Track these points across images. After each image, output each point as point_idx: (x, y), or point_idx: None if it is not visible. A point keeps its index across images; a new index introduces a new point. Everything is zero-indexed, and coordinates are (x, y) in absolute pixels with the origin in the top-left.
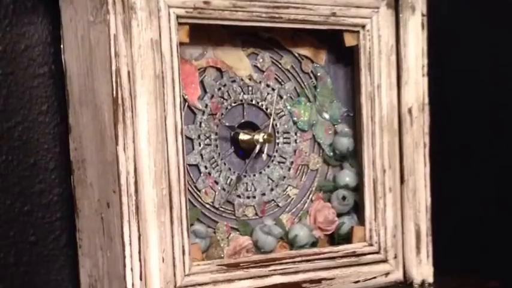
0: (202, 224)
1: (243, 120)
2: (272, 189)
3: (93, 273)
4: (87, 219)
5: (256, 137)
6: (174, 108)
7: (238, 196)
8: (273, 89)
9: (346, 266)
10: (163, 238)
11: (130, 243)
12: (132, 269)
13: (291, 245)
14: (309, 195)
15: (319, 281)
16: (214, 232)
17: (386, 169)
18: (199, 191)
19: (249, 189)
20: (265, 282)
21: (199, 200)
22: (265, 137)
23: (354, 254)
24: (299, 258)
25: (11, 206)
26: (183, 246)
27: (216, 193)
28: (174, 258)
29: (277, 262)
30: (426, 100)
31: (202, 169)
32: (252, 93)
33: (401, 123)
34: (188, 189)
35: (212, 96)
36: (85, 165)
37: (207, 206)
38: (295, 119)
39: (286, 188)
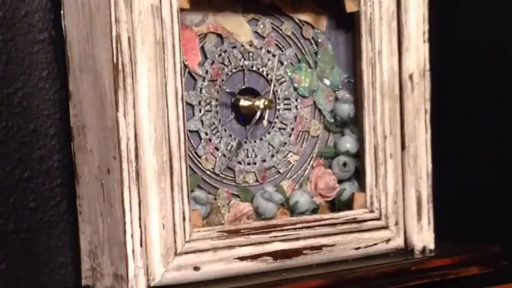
0: (203, 190)
1: (243, 87)
2: (273, 156)
3: (93, 240)
4: (88, 186)
5: (256, 103)
6: (174, 74)
7: (239, 162)
8: (274, 55)
9: (346, 232)
10: (163, 204)
11: (130, 210)
12: (132, 235)
13: (292, 211)
14: (309, 162)
15: (319, 247)
16: (215, 199)
17: (387, 135)
18: (199, 157)
19: (249, 156)
20: (266, 249)
21: (200, 166)
22: (265, 103)
23: (355, 221)
24: (300, 225)
25: (11, 172)
26: (183, 213)
27: (217, 159)
28: (174, 224)
29: (277, 229)
30: (427, 66)
31: (202, 135)
32: (252, 60)
33: (402, 89)
34: (188, 156)
35: (213, 62)
36: (85, 131)
37: (208, 172)
38: (295, 85)
39: (287, 154)
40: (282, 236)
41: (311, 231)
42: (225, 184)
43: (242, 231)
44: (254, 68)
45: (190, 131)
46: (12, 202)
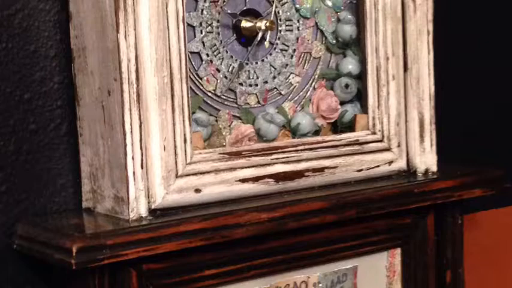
0: (204, 112)
1: (245, 8)
2: (274, 77)
3: (94, 162)
4: (88, 108)
5: (258, 24)
6: None
7: (240, 84)
8: None
9: (349, 154)
10: (164, 126)
11: (131, 131)
12: (133, 158)
13: (294, 133)
14: (311, 83)
15: (321, 169)
16: (216, 120)
17: (390, 57)
18: (200, 78)
19: (251, 77)
20: (268, 171)
21: (201, 88)
22: (267, 24)
23: (357, 143)
24: (301, 147)
25: (11, 94)
26: (184, 135)
27: (218, 81)
28: (175, 146)
29: (279, 150)
30: None
31: (203, 57)
32: None
33: (405, 10)
34: (190, 77)
35: None
36: (86, 53)
37: (209, 94)
38: (297, 6)
39: (289, 75)
40: (283, 158)
41: (313, 153)
42: (227, 106)
43: (243, 153)
44: None
45: (191, 53)
46: (12, 124)
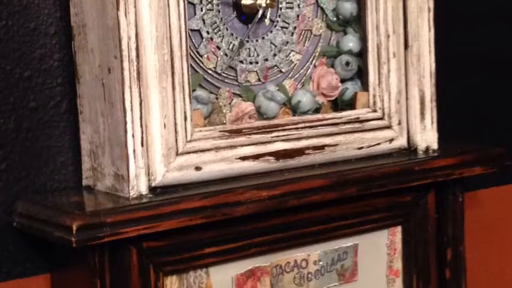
0: (205, 90)
1: None
2: (275, 55)
3: (94, 140)
4: (88, 85)
5: (258, 1)
6: None
7: (241, 62)
8: None
9: (349, 132)
10: (164, 104)
11: (131, 109)
12: (133, 135)
13: (294, 111)
14: (312, 61)
15: (322, 147)
16: (217, 98)
17: (391, 34)
18: (201, 56)
19: (251, 55)
20: (268, 149)
21: (202, 65)
22: (267, 1)
23: (358, 120)
24: (302, 125)
25: (11, 71)
26: (184, 112)
27: (218, 58)
28: (175, 124)
29: (279, 128)
30: None
31: (204, 34)
32: None
33: None
34: (190, 55)
35: None
36: (86, 30)
37: (209, 71)
38: None
39: (289, 53)
40: (284, 135)
41: (313, 131)
42: (227, 83)
43: (244, 130)
44: None
45: (191, 30)
46: (12, 102)
